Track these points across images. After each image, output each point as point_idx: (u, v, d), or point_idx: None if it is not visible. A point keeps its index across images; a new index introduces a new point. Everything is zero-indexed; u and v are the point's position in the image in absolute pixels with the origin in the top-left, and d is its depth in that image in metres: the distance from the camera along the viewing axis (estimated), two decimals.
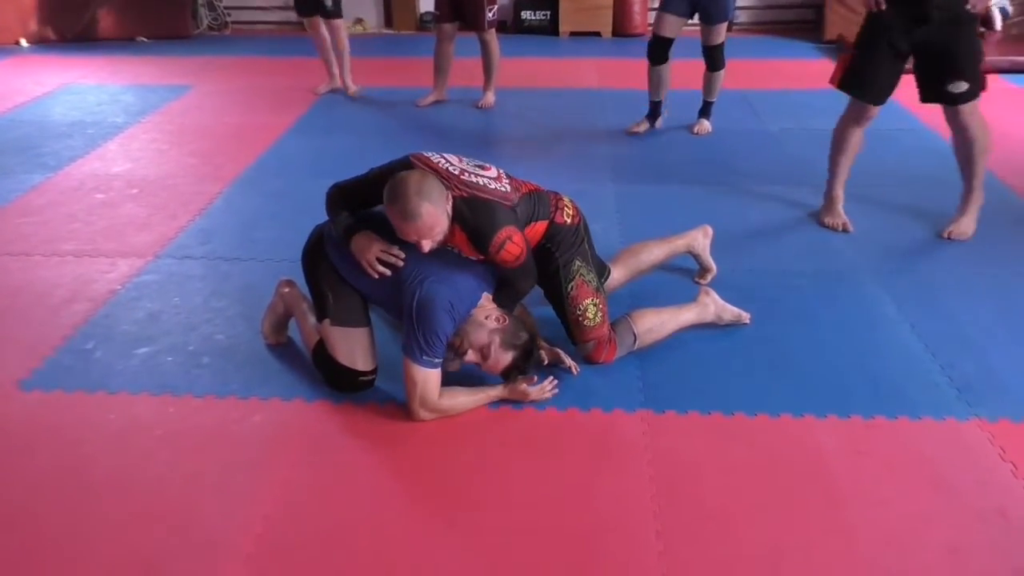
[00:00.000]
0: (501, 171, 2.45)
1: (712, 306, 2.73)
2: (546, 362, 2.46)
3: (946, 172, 3.53)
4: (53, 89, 5.51)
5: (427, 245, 2.23)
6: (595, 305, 2.48)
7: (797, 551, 1.89)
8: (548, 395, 2.38)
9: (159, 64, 6.26)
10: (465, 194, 2.29)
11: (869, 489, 2.07)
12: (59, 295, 2.95)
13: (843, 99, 3.37)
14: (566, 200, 2.55)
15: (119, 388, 2.44)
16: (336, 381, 2.41)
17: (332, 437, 2.27)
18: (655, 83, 4.52)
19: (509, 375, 2.30)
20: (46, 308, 2.87)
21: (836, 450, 2.19)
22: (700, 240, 2.96)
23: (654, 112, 4.63)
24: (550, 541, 1.93)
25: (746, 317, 2.75)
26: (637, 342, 2.56)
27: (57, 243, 3.36)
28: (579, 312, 2.47)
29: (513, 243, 2.27)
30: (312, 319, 2.50)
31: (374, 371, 2.40)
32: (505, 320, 2.28)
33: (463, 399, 2.34)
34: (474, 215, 2.28)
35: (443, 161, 2.36)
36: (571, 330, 2.51)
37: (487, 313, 2.28)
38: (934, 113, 3.39)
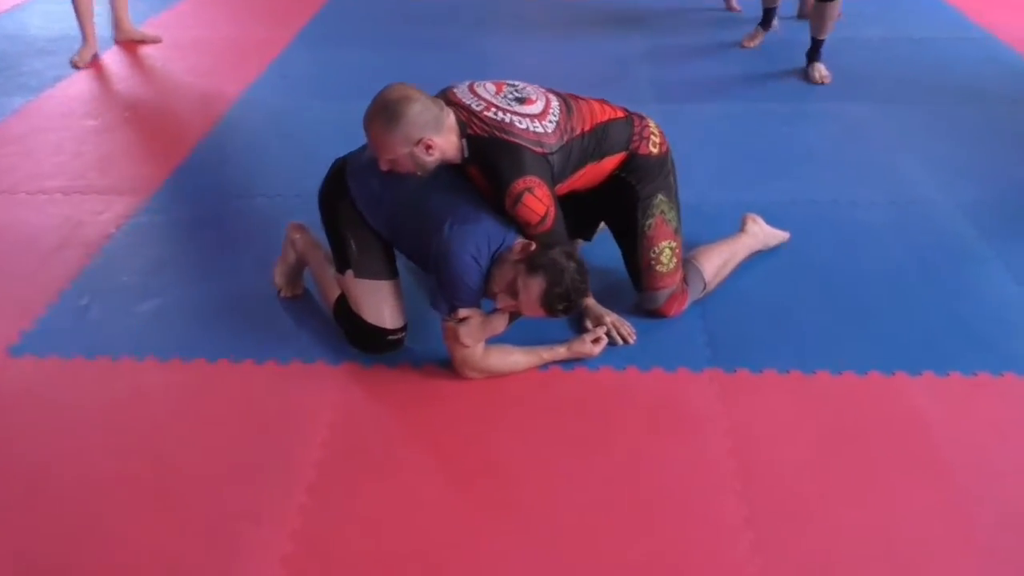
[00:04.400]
0: (555, 103, 2.08)
1: (761, 233, 2.47)
2: (592, 328, 2.16)
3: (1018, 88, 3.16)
4: None
5: (382, 164, 1.96)
6: (671, 248, 2.17)
7: (907, 534, 1.66)
8: (631, 340, 2.14)
9: None
10: (483, 132, 1.97)
11: (979, 459, 1.82)
12: (47, 241, 2.65)
13: None
14: (653, 126, 2.20)
15: (122, 352, 2.17)
16: (362, 341, 2.13)
17: (362, 406, 2.01)
18: None
19: (553, 308, 1.92)
20: (34, 257, 2.57)
21: (937, 413, 1.93)
22: (759, 236, 2.50)
23: (767, 18, 4.07)
24: (611, 529, 1.68)
25: (786, 236, 2.52)
26: (706, 288, 2.27)
27: (42, 179, 3.03)
28: (653, 255, 2.16)
29: (535, 197, 1.94)
30: (331, 269, 2.21)
31: (404, 328, 2.13)
32: (530, 245, 1.93)
33: (516, 357, 2.06)
34: (489, 157, 1.96)
35: (470, 96, 2.03)
36: (640, 276, 2.20)
37: (513, 247, 1.96)
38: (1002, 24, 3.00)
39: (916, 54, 4.01)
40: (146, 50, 4.23)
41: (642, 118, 2.20)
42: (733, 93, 3.64)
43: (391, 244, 2.15)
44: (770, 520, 1.69)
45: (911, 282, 2.40)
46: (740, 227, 2.48)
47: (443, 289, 1.96)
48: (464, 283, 1.93)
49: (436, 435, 1.93)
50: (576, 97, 2.15)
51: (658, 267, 2.17)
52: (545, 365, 2.09)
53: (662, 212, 2.16)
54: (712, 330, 2.21)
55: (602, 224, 2.39)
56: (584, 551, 1.64)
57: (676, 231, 2.20)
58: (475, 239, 1.94)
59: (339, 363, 2.13)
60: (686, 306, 2.24)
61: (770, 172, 2.99)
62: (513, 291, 1.92)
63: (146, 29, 4.39)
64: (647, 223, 2.15)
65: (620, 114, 2.17)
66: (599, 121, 2.11)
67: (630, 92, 3.45)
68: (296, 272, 2.38)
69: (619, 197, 2.18)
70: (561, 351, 2.09)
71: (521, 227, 2.01)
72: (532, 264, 1.90)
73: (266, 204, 2.86)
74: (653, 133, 2.18)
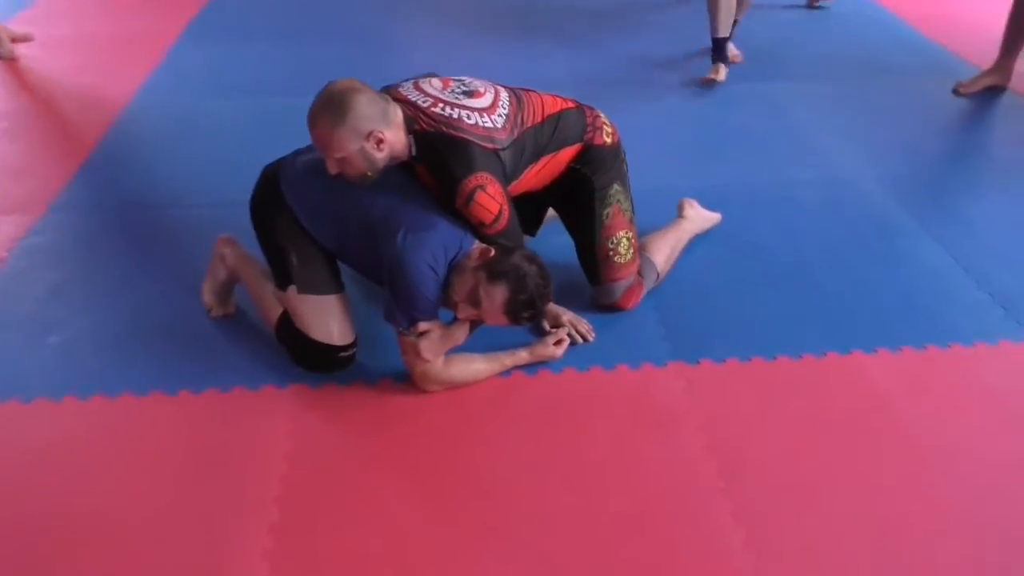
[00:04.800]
0: (504, 95, 1.99)
1: (698, 216, 2.47)
2: (549, 328, 2.09)
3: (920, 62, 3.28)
4: None
5: (331, 166, 1.83)
6: (628, 238, 2.12)
7: (888, 515, 1.66)
8: (591, 337, 2.08)
9: None
10: (431, 128, 1.86)
11: (942, 434, 1.86)
12: None
13: None
14: (604, 117, 2.14)
15: (35, 393, 1.94)
16: (310, 360, 1.99)
17: (320, 432, 1.87)
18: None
19: (518, 316, 1.84)
20: None
21: (897, 390, 1.97)
22: (697, 219, 2.48)
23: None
24: (599, 537, 1.62)
25: (719, 218, 2.52)
26: (659, 278, 2.24)
27: None
28: (612, 245, 2.10)
29: (487, 195, 1.85)
30: (268, 285, 2.05)
31: (354, 343, 1.99)
32: (489, 251, 1.84)
33: (477, 366, 1.97)
34: (437, 154, 1.87)
35: (415, 92, 1.93)
36: (597, 268, 2.14)
37: (472, 252, 1.87)
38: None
39: (824, 32, 4.11)
40: (16, 50, 3.84)
41: (592, 109, 2.14)
42: (654, 80, 3.62)
43: (337, 258, 2.01)
44: (758, 514, 1.66)
45: (850, 258, 2.44)
46: (677, 213, 2.46)
47: (399, 302, 1.84)
48: (422, 294, 1.82)
49: (404, 457, 1.81)
50: (526, 90, 2.07)
51: (616, 258, 2.11)
52: (507, 371, 2.01)
53: (618, 202, 2.11)
54: (668, 321, 2.18)
55: (547, 218, 2.31)
56: (575, 562, 1.57)
57: (631, 220, 2.15)
58: (431, 247, 1.83)
59: (286, 385, 1.98)
60: (641, 298, 2.20)
61: (702, 157, 3.00)
62: (474, 300, 1.82)
63: (13, 26, 3.99)
64: (604, 212, 2.09)
65: (571, 105, 2.10)
66: (551, 112, 2.03)
67: (546, 86, 3.37)
68: (227, 289, 2.20)
69: (574, 189, 2.11)
70: (523, 355, 2.01)
71: (474, 228, 1.91)
72: (493, 271, 1.80)
73: (179, 216, 2.64)
74: (605, 123, 2.13)
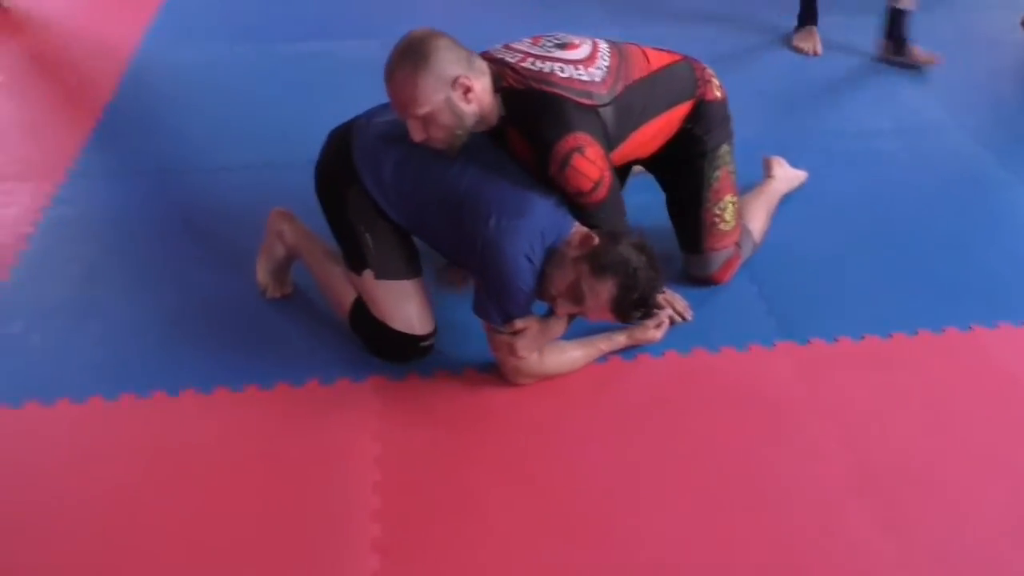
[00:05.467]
0: (604, 46, 1.79)
1: (785, 176, 2.29)
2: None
3: None
4: None
5: (415, 129, 1.61)
6: (733, 204, 1.94)
7: None
8: (688, 316, 1.91)
9: None
10: (519, 85, 1.66)
11: None
12: None
13: None
14: (711, 70, 1.94)
15: (87, 391, 1.75)
16: (388, 350, 1.81)
17: (410, 432, 1.69)
18: None
19: (627, 315, 1.68)
20: None
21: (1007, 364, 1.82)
22: (785, 179, 2.28)
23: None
24: (736, 536, 1.48)
25: (805, 176, 2.33)
26: (755, 247, 2.06)
27: None
28: (718, 211, 1.92)
29: (585, 159, 1.65)
30: (337, 267, 1.86)
31: (435, 331, 1.81)
32: (592, 239, 1.65)
33: (573, 354, 1.79)
34: (528, 113, 1.66)
35: (504, 51, 1.74)
36: (699, 236, 1.95)
37: (571, 240, 1.67)
38: None
39: None
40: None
41: (698, 61, 1.93)
42: (707, 17, 3.37)
43: (414, 232, 1.81)
44: (901, 516, 1.53)
45: (946, 218, 2.27)
46: (765, 172, 2.27)
47: (492, 296, 1.66)
48: (518, 288, 1.63)
49: (502, 456, 1.66)
50: (627, 43, 1.86)
51: (721, 224, 1.93)
52: (603, 356, 1.84)
53: (727, 164, 1.93)
54: (769, 296, 2.01)
55: (631, 174, 2.10)
56: (701, 566, 1.44)
57: (736, 185, 1.97)
58: (527, 235, 1.63)
59: (363, 378, 1.80)
60: (737, 270, 2.03)
61: (771, 106, 2.78)
62: (576, 296, 1.63)
63: None
64: (714, 175, 1.91)
65: (678, 58, 1.91)
66: (658, 66, 1.83)
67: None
68: (284, 268, 2.00)
69: (681, 150, 1.91)
70: (621, 339, 1.84)
71: (569, 197, 1.71)
72: (597, 264, 1.60)
73: (215, 181, 2.42)
74: (713, 77, 1.93)
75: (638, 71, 1.79)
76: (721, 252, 1.97)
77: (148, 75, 2.95)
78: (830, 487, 1.58)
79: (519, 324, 1.67)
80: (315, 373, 1.81)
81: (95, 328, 1.92)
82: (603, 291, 1.61)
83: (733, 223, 1.96)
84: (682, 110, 1.88)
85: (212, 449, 1.66)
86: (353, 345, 1.85)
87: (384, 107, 1.77)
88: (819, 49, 3.05)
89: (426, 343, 1.80)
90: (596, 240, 1.63)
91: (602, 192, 1.71)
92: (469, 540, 1.50)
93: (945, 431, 1.69)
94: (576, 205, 1.72)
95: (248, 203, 2.26)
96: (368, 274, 1.76)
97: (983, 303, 1.98)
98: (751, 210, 2.09)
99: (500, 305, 1.65)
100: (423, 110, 1.59)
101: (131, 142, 2.61)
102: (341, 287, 1.85)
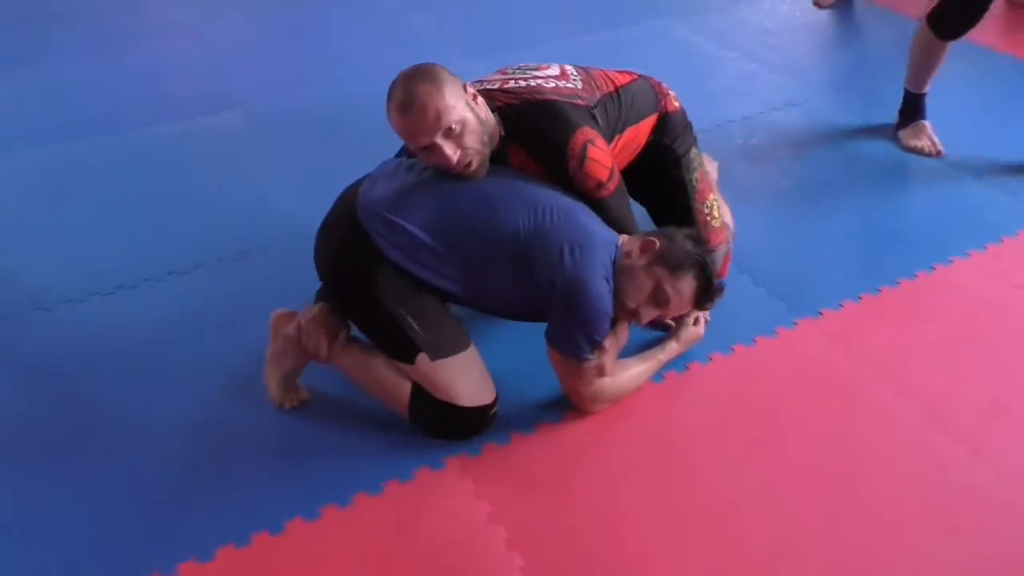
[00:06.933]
0: (570, 67, 1.85)
1: (711, 164, 2.39)
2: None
3: None
4: None
5: (448, 148, 1.58)
6: (715, 202, 2.02)
7: None
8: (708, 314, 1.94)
9: None
10: (513, 100, 1.69)
11: None
12: None
13: None
14: (665, 85, 2.01)
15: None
16: (458, 430, 1.68)
17: (520, 504, 1.58)
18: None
19: (710, 301, 1.73)
20: None
21: (986, 289, 2.08)
22: (714, 168, 2.36)
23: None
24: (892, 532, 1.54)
25: (718, 163, 2.45)
26: (733, 237, 2.15)
27: None
28: (707, 208, 1.98)
29: (598, 148, 1.69)
30: (375, 356, 1.70)
31: (498, 395, 1.71)
32: (653, 243, 1.66)
33: (637, 370, 1.79)
34: (532, 123, 1.69)
35: (478, 84, 1.76)
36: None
37: (628, 250, 1.68)
38: None
39: None
40: None
41: (652, 78, 2.00)
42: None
43: (451, 298, 1.70)
44: (982, 436, 1.68)
45: (853, 180, 2.53)
46: None
47: (579, 329, 1.61)
48: (604, 313, 1.61)
49: (627, 492, 1.61)
50: (587, 67, 1.92)
51: (713, 222, 2.01)
52: (658, 374, 1.85)
53: (700, 165, 2.02)
54: (763, 282, 2.11)
55: None
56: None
57: (712, 184, 2.05)
58: (600, 258, 1.61)
59: (442, 464, 1.66)
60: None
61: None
62: (659, 300, 1.65)
63: None
64: (693, 177, 1.98)
65: (634, 76, 1.97)
66: (621, 83, 1.90)
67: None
68: (296, 374, 1.80)
69: (657, 163, 1.98)
70: (673, 347, 1.86)
71: (589, 193, 1.72)
72: (672, 264, 1.64)
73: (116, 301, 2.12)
74: (669, 89, 2.01)
75: (605, 87, 1.85)
76: (720, 248, 2.05)
77: None
78: (912, 430, 1.71)
79: (607, 344, 1.65)
80: (388, 474, 1.64)
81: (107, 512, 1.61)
82: (686, 288, 1.65)
83: (721, 219, 2.05)
84: (649, 123, 1.95)
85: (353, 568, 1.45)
86: (408, 432, 1.71)
87: (372, 183, 1.70)
88: (940, 148, 2.59)
89: (494, 410, 1.70)
90: (657, 243, 1.65)
91: (614, 182, 1.75)
92: None
93: (992, 359, 1.88)
94: (593, 200, 1.73)
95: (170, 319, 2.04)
96: (422, 359, 1.63)
97: (925, 249, 2.21)
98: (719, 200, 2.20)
99: (588, 335, 1.61)
100: (455, 116, 1.57)
101: None
102: (389, 380, 1.68)
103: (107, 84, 3.24)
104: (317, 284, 1.79)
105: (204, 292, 2.14)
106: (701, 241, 1.73)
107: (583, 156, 1.66)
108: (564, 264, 1.58)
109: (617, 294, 1.64)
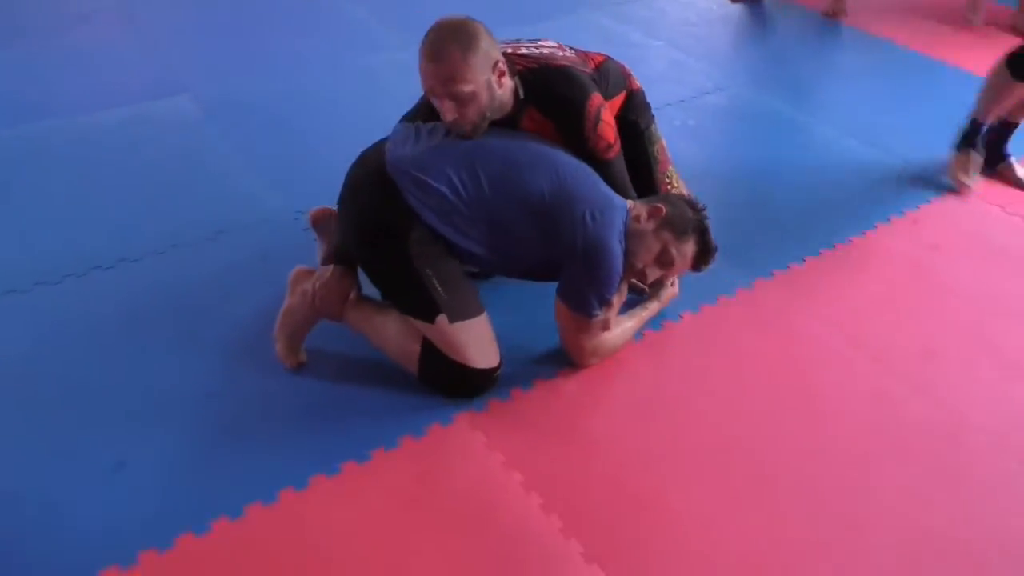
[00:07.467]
0: (565, 45, 1.98)
1: None
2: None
3: None
4: None
5: (448, 109, 1.69)
6: (674, 173, 2.19)
7: None
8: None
9: None
10: (532, 65, 1.82)
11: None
12: None
13: None
14: (627, 66, 2.16)
15: (175, 529, 1.51)
16: (465, 388, 1.80)
17: (533, 451, 1.71)
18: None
19: (707, 263, 1.90)
20: None
21: (910, 249, 2.35)
22: None
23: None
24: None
25: None
26: None
27: None
28: (668, 178, 2.15)
29: (607, 111, 1.87)
30: (388, 315, 1.80)
31: (503, 358, 1.84)
32: (660, 209, 1.82)
33: (627, 325, 1.95)
34: (551, 86, 1.83)
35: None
36: None
37: (636, 215, 1.83)
38: None
39: None
40: None
41: (615, 59, 2.15)
42: None
43: (472, 260, 1.80)
44: (920, 374, 1.93)
45: (775, 155, 2.78)
46: None
47: (594, 288, 1.75)
48: (617, 273, 1.77)
49: (634, 438, 1.76)
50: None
51: (673, 190, 2.18)
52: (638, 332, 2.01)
53: (659, 139, 2.18)
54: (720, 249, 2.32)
55: None
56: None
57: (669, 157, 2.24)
58: (615, 222, 1.76)
59: (451, 419, 1.77)
60: None
61: None
62: (664, 262, 1.83)
63: None
64: (654, 150, 2.15)
65: (605, 56, 2.11)
66: (598, 62, 2.04)
67: None
68: (303, 332, 1.86)
69: (624, 137, 2.09)
70: (654, 305, 2.03)
71: (598, 154, 1.86)
72: (677, 228, 1.82)
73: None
74: (631, 70, 2.16)
75: (591, 64, 1.99)
76: None
77: None
78: (861, 371, 1.94)
79: (614, 300, 1.80)
80: (401, 430, 1.74)
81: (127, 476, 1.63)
82: (688, 250, 1.83)
83: (679, 188, 2.22)
84: (620, 99, 2.09)
85: (357, 535, 1.54)
86: (414, 392, 1.81)
87: (395, 145, 1.77)
88: (970, 184, 2.62)
89: (499, 372, 1.82)
90: (663, 209, 1.80)
91: (618, 144, 1.90)
92: (661, 524, 1.59)
93: (909, 304, 2.16)
94: (601, 162, 1.87)
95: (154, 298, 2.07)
96: (442, 320, 1.73)
97: (855, 217, 2.47)
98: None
99: (600, 293, 1.75)
100: (468, 87, 1.65)
101: None
102: (401, 339, 1.78)
103: (39, 71, 3.14)
104: (300, 260, 1.88)
105: (185, 271, 2.15)
106: (697, 207, 1.89)
107: (598, 118, 1.81)
108: (587, 225, 1.71)
109: (627, 255, 1.79)
